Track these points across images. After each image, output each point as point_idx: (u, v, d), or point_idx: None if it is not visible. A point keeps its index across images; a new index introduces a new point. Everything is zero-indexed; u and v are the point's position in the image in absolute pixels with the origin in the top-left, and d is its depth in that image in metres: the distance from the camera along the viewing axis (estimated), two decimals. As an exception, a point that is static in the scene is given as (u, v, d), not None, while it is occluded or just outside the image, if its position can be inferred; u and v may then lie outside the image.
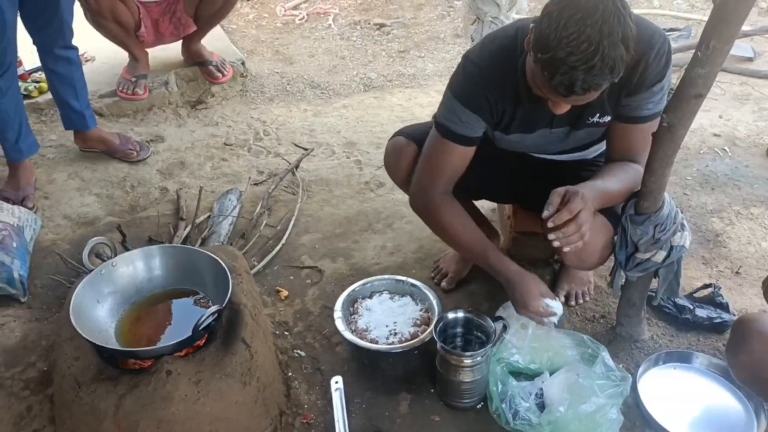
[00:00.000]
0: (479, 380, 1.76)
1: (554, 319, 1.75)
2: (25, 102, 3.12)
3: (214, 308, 1.58)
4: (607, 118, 1.71)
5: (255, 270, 2.31)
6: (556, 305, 1.75)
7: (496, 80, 1.65)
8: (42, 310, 2.15)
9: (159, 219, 2.51)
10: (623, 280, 1.90)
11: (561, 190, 1.55)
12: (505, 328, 1.81)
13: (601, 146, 1.91)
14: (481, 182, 1.98)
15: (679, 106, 1.38)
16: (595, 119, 1.71)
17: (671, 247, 1.71)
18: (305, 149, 3.06)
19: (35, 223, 2.45)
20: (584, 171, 1.85)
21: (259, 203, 2.63)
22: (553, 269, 2.30)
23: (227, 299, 1.64)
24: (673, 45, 3.72)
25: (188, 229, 2.47)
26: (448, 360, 1.74)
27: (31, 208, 2.57)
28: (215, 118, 3.36)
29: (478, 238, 1.86)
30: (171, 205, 2.69)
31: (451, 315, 1.83)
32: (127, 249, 2.28)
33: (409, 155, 1.93)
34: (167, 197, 2.75)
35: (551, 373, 1.83)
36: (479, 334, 1.83)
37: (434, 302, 2.03)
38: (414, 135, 1.95)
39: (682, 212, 1.74)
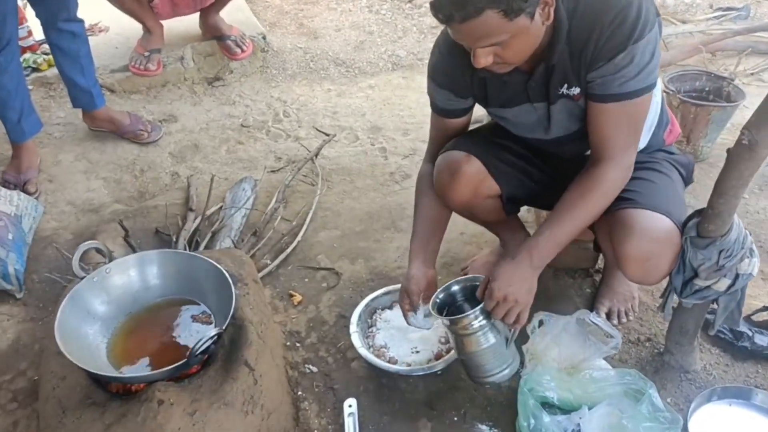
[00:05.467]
0: (494, 345, 1.57)
1: (413, 321, 1.70)
2: (33, 75, 3.00)
3: (212, 332, 1.40)
4: (577, 90, 1.51)
5: (267, 270, 2.13)
6: (416, 317, 1.70)
7: (455, 54, 1.56)
8: (38, 309, 2.01)
9: (167, 209, 2.33)
10: (676, 304, 1.68)
11: (487, 280, 1.56)
12: (541, 323, 1.68)
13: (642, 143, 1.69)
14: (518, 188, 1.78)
15: (764, 121, 1.14)
16: (564, 90, 1.52)
17: (737, 275, 1.49)
18: (327, 134, 2.87)
19: (35, 210, 2.30)
20: None
21: (275, 193, 2.45)
22: (593, 281, 2.08)
23: (228, 321, 1.47)
24: (732, 26, 3.45)
25: (198, 221, 2.30)
26: (456, 334, 1.59)
27: (33, 194, 2.42)
28: (233, 97, 3.17)
29: (428, 228, 1.76)
30: (181, 192, 2.51)
31: (443, 292, 1.66)
32: (131, 245, 2.12)
33: (471, 173, 1.69)
34: (178, 183, 2.57)
35: (590, 408, 1.63)
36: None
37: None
38: (472, 145, 1.71)
39: (750, 234, 1.51)
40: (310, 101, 3.16)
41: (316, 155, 2.69)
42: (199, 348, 1.38)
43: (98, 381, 1.45)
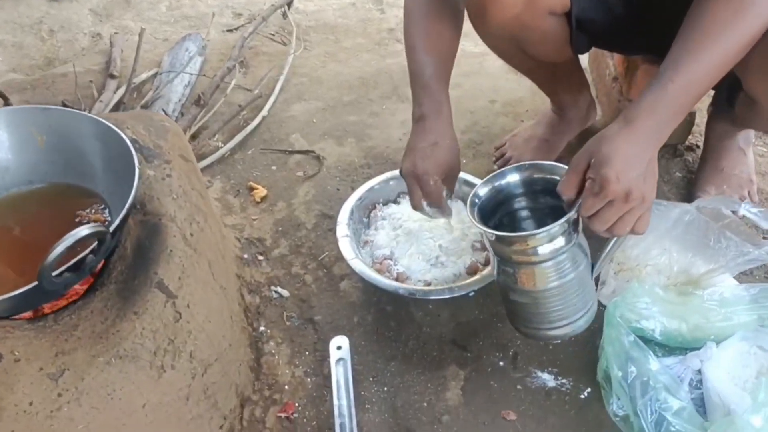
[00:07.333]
0: (571, 282, 0.91)
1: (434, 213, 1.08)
2: None
3: (83, 231, 0.77)
4: None
5: (218, 154, 1.49)
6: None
7: None
8: None
9: (77, 77, 1.65)
10: None
11: (580, 164, 0.84)
12: None
13: None
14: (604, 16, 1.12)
15: None
16: None
17: None
18: (302, -19, 2.17)
19: None
20: None
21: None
22: (685, 162, 1.46)
23: (123, 213, 0.84)
24: None
25: (122, 91, 1.63)
26: (508, 260, 0.91)
27: None
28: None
29: (439, 59, 1.09)
30: (102, 57, 1.84)
31: (488, 185, 0.96)
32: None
33: None
34: (99, 46, 1.90)
35: (718, 344, 1.04)
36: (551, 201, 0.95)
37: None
38: None
39: None
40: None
41: (289, 5, 2.00)
42: (55, 258, 0.74)
43: None
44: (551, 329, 0.95)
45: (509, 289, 0.95)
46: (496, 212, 0.98)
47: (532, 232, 0.86)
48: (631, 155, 0.80)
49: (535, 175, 0.96)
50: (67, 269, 0.78)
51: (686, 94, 0.82)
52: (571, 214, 0.84)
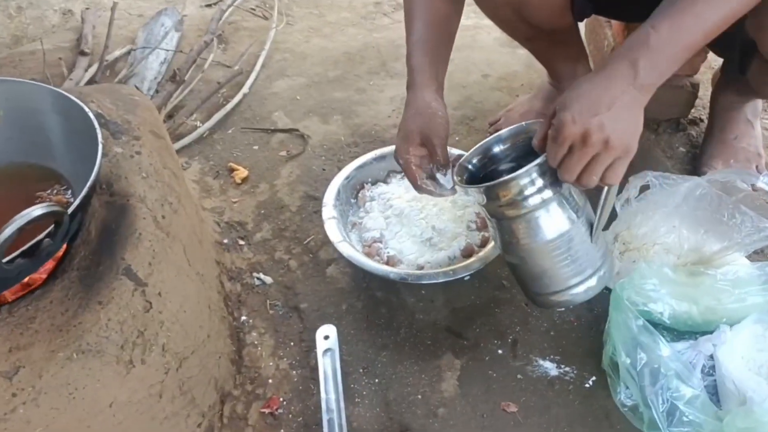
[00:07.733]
0: (567, 236, 0.85)
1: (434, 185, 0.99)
2: None
3: (36, 210, 0.68)
4: None
5: (196, 134, 1.41)
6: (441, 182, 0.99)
7: None
8: None
9: (45, 56, 1.56)
10: None
11: (550, 114, 0.81)
12: (644, 189, 1.01)
13: None
14: None
15: None
16: None
17: None
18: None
19: None
20: None
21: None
22: (688, 136, 1.39)
23: (83, 194, 0.75)
24: None
25: (94, 68, 1.54)
26: (498, 217, 0.88)
27: None
28: None
29: (437, 35, 1.02)
30: (73, 34, 1.75)
31: (479, 155, 0.94)
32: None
33: None
34: (70, 23, 1.81)
35: (731, 327, 0.98)
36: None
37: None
38: None
39: None
40: None
41: (270, -22, 1.91)
42: (4, 241, 0.66)
43: None
44: (555, 293, 0.89)
45: (507, 253, 0.91)
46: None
47: (512, 175, 0.81)
48: (591, 98, 0.74)
49: (521, 138, 0.91)
50: (21, 254, 0.70)
51: (670, 41, 0.75)
52: (542, 158, 0.80)
